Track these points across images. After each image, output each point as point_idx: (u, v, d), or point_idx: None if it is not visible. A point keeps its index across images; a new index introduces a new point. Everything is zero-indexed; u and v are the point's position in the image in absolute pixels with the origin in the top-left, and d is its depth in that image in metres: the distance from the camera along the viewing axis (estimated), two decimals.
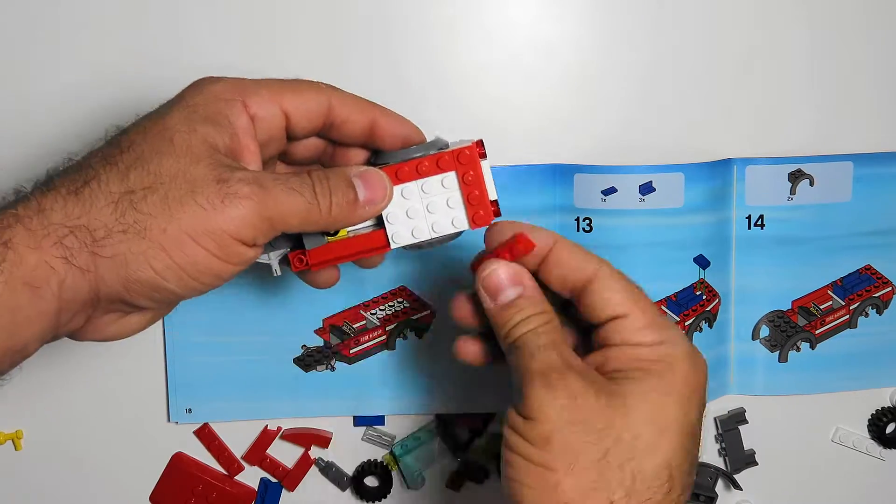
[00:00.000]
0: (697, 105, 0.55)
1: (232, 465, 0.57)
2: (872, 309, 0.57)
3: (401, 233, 0.41)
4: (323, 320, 0.55)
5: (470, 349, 0.42)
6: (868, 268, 0.56)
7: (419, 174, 0.40)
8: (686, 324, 0.54)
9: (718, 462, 0.58)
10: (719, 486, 0.58)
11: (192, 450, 0.56)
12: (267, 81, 0.38)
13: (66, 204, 0.33)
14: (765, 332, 0.56)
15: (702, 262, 0.54)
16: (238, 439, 0.57)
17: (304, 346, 0.55)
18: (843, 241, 0.55)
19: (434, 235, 0.41)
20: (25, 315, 0.33)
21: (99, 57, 0.52)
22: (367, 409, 0.56)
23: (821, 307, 0.56)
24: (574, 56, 0.54)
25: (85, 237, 0.33)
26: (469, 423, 0.57)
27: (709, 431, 0.58)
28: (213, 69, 0.53)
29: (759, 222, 0.55)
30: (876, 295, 0.57)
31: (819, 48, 0.55)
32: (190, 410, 0.55)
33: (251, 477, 0.57)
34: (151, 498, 0.57)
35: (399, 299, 0.55)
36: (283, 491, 0.57)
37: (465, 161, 0.40)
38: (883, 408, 0.58)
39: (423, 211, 0.41)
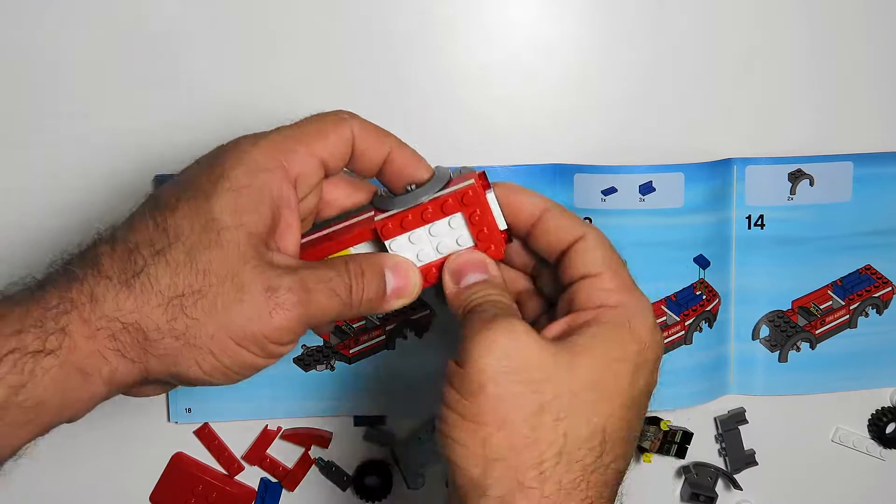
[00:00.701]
0: (697, 105, 0.55)
1: (232, 465, 0.57)
2: (872, 309, 0.57)
3: None
4: None
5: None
6: (868, 268, 0.56)
7: (424, 220, 0.39)
8: (686, 324, 0.54)
9: (718, 462, 0.58)
10: (719, 486, 0.58)
11: (192, 450, 0.56)
12: (297, 132, 0.38)
13: (118, 295, 0.34)
14: (765, 331, 0.56)
15: (702, 262, 0.54)
16: (238, 439, 0.57)
17: (304, 345, 0.55)
18: (844, 241, 0.56)
19: None
20: (77, 396, 0.34)
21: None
22: (367, 409, 0.56)
23: (821, 307, 0.56)
24: (574, 56, 0.54)
25: (137, 335, 0.34)
26: None
27: (709, 431, 0.58)
28: (211, 69, 0.53)
29: (759, 222, 0.55)
30: (876, 295, 0.57)
31: (819, 48, 0.55)
32: (190, 410, 0.55)
33: (251, 477, 0.57)
34: (151, 498, 0.57)
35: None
36: (283, 491, 0.57)
37: (469, 202, 0.39)
38: (883, 408, 0.59)
39: (434, 253, 0.40)
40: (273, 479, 0.57)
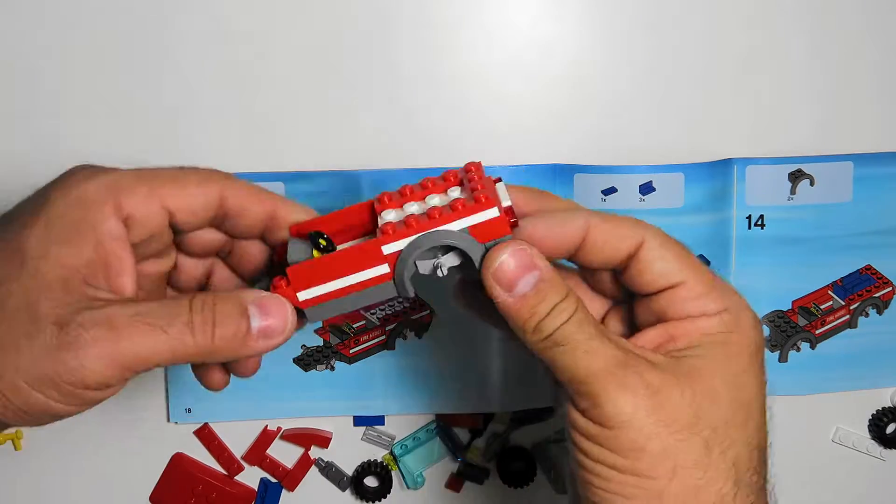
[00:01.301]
0: (697, 105, 0.55)
1: (232, 465, 0.57)
2: (873, 309, 0.57)
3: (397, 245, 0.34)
4: (322, 320, 0.54)
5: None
6: (868, 268, 0.56)
7: (423, 191, 0.36)
8: None
9: None
10: None
11: (192, 450, 0.56)
12: (148, 174, 0.34)
13: None
14: (765, 332, 0.56)
15: (702, 261, 0.54)
16: (238, 439, 0.56)
17: (304, 345, 0.55)
18: (844, 241, 0.55)
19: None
20: None
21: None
22: (367, 409, 0.56)
23: (821, 307, 0.56)
24: (574, 56, 0.54)
25: None
26: (469, 422, 0.57)
27: None
28: (210, 65, 0.53)
29: (759, 222, 0.54)
30: (876, 295, 0.57)
31: (819, 48, 0.55)
32: (190, 410, 0.55)
33: (251, 477, 0.57)
34: (151, 498, 0.57)
35: (399, 299, 0.55)
36: (283, 491, 0.57)
37: (471, 169, 0.35)
38: (883, 408, 0.59)
39: (419, 209, 0.35)
40: (273, 479, 0.57)
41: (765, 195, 0.54)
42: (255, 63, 0.53)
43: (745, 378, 0.35)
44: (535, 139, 0.54)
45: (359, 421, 0.57)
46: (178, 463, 0.56)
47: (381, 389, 0.56)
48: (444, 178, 0.36)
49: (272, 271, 0.38)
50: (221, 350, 0.33)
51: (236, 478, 0.57)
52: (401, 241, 0.34)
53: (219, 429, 0.56)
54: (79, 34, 0.52)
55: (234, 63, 0.53)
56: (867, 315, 0.57)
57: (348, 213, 0.36)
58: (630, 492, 0.33)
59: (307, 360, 0.55)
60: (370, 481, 0.57)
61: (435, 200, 0.35)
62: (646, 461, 0.32)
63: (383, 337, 0.55)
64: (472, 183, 0.34)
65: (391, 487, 0.57)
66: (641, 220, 0.36)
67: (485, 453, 0.57)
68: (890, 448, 0.59)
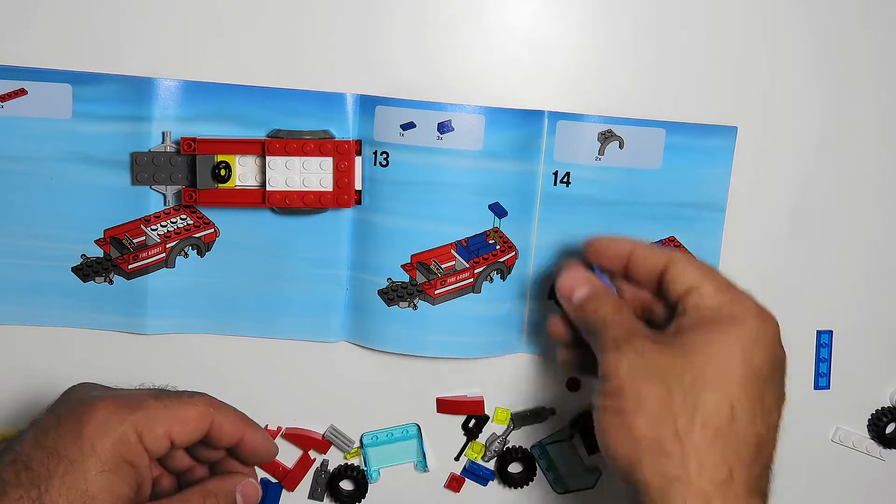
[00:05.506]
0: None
1: None
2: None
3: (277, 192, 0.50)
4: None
5: (557, 328, 0.51)
6: (672, 239, 0.55)
7: (304, 152, 0.50)
8: (476, 271, 0.54)
9: None
10: None
11: None
12: (162, 415, 0.43)
13: None
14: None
15: (498, 210, 0.53)
16: None
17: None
18: (650, 209, 0.54)
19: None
20: None
21: None
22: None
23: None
24: (574, 56, 0.54)
25: None
26: (471, 410, 0.57)
27: None
28: (208, 60, 0.52)
29: (565, 179, 0.54)
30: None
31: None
32: None
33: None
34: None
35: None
36: (283, 491, 0.57)
37: (342, 151, 0.50)
38: (882, 407, 0.59)
39: (300, 184, 0.50)
40: (273, 479, 0.57)
41: (572, 152, 0.53)
42: (250, 65, 0.52)
43: (729, 350, 0.43)
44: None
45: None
46: None
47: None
48: (321, 150, 0.50)
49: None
50: None
51: None
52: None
53: None
54: None
55: (228, 59, 0.52)
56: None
57: (244, 142, 0.50)
58: (611, 425, 0.43)
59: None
60: (346, 485, 0.57)
61: (313, 177, 0.50)
62: (621, 400, 0.43)
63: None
64: (340, 173, 0.50)
65: (366, 492, 0.57)
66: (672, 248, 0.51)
67: (480, 455, 0.57)
68: (890, 448, 0.59)
